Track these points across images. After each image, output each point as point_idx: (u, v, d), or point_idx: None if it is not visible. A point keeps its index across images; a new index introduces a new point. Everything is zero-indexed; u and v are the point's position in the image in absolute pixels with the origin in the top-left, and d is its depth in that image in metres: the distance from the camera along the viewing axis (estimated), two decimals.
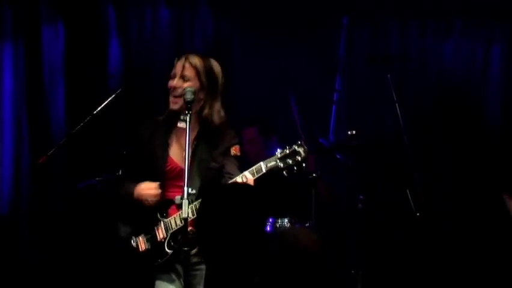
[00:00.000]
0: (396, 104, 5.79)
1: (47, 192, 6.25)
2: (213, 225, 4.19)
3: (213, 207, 4.08)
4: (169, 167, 4.43)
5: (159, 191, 4.43)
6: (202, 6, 6.69)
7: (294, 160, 4.15)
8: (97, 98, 5.52)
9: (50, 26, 6.57)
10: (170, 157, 4.46)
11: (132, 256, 4.49)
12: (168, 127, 4.49)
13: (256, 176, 4.25)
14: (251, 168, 4.26)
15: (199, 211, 3.87)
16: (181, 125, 4.34)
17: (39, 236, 6.18)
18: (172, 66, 4.51)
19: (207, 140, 4.44)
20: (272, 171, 4.21)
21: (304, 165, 4.16)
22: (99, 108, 5.40)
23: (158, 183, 4.44)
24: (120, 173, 5.34)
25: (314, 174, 5.47)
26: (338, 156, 5.80)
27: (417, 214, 5.67)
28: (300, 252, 4.94)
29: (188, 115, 4.18)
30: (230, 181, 4.26)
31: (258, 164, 4.24)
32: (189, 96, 4.29)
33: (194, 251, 4.32)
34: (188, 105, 4.24)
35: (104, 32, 6.65)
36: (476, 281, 6.01)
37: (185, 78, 4.41)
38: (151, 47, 6.66)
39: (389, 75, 5.85)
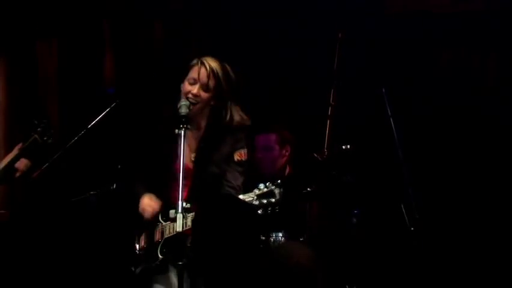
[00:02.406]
0: (391, 119, 5.80)
1: (41, 206, 6.23)
2: (207, 239, 4.22)
3: (208, 220, 4.13)
4: (177, 166, 4.36)
5: (156, 211, 4.43)
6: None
7: (269, 201, 4.12)
8: (91, 112, 5.52)
9: (44, 41, 6.57)
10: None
11: (132, 252, 4.49)
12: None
13: None
14: None
15: (193, 223, 3.88)
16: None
17: (34, 248, 6.15)
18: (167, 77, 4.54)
19: (212, 144, 4.43)
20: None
21: (277, 208, 4.13)
22: (93, 123, 5.40)
23: (160, 204, 4.43)
24: (114, 187, 5.36)
25: (309, 189, 5.46)
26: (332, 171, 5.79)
27: (412, 229, 5.66)
28: (292, 266, 4.96)
29: (183, 130, 4.18)
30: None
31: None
32: (183, 111, 4.30)
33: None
34: (183, 119, 4.24)
35: (98, 46, 6.65)
36: None
37: (208, 88, 4.43)
38: (145, 61, 6.66)
39: (383, 90, 5.86)
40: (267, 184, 4.11)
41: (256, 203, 4.14)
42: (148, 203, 4.47)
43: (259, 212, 4.16)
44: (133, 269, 4.53)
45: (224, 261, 4.32)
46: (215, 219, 4.21)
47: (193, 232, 4.14)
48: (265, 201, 4.12)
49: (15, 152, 5.14)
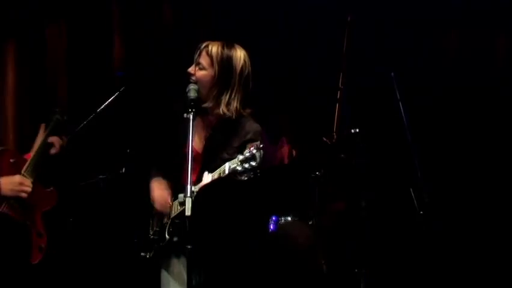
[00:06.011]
0: (400, 102, 5.79)
1: None
2: (207, 222, 4.23)
3: (208, 205, 4.13)
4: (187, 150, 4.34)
5: (168, 205, 4.43)
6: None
7: (250, 165, 4.03)
8: (100, 97, 5.53)
9: (53, 24, 6.56)
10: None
11: (145, 237, 4.49)
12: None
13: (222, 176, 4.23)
14: (217, 170, 4.21)
15: (193, 208, 3.89)
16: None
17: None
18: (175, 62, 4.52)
19: (223, 131, 4.39)
20: (233, 174, 4.13)
21: (258, 172, 4.07)
22: (102, 107, 5.40)
23: (170, 201, 4.42)
24: (124, 170, 5.37)
25: (317, 173, 5.46)
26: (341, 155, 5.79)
27: (421, 212, 5.66)
28: (291, 247, 4.97)
29: (192, 113, 4.17)
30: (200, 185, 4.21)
31: (223, 165, 4.18)
32: (192, 94, 4.29)
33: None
34: (191, 103, 4.23)
35: (107, 29, 6.65)
36: (479, 279, 6.01)
37: (200, 66, 4.40)
38: (154, 45, 6.65)
39: (392, 74, 5.85)
40: (251, 149, 4.04)
41: (240, 168, 4.04)
42: (159, 194, 4.47)
43: (244, 178, 4.09)
44: (145, 254, 4.52)
45: (224, 244, 4.34)
46: (214, 201, 4.22)
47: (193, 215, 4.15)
48: (247, 165, 4.03)
49: (41, 133, 5.21)
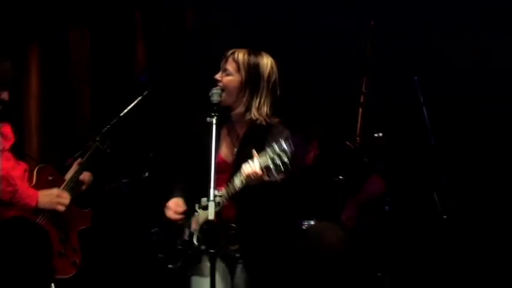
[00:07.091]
0: (423, 106, 5.77)
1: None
2: (251, 224, 4.24)
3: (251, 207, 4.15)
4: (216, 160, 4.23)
5: (180, 213, 4.44)
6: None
7: (281, 160, 3.96)
8: (124, 101, 5.54)
9: (76, 29, 6.60)
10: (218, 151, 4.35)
11: (173, 248, 4.48)
12: (220, 121, 4.30)
13: None
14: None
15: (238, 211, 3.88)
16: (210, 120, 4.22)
17: None
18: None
19: (254, 139, 4.37)
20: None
21: (289, 167, 3.99)
22: (125, 110, 5.42)
23: (183, 208, 4.45)
24: (147, 174, 5.38)
25: (341, 177, 5.46)
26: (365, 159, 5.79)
27: (444, 217, 5.65)
28: (324, 247, 4.97)
29: (215, 117, 4.17)
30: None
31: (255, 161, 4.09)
32: (215, 98, 4.27)
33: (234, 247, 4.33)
34: (214, 107, 4.23)
35: (130, 34, 6.67)
36: (503, 282, 5.98)
37: (226, 72, 4.40)
38: (177, 49, 6.67)
39: (415, 78, 5.83)
40: (277, 144, 3.98)
41: (271, 165, 3.97)
42: (172, 203, 4.47)
43: (274, 172, 4.00)
44: (173, 266, 4.50)
45: (266, 246, 4.34)
46: (256, 206, 4.22)
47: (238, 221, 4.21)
48: (279, 161, 3.95)
49: (75, 167, 5.27)
